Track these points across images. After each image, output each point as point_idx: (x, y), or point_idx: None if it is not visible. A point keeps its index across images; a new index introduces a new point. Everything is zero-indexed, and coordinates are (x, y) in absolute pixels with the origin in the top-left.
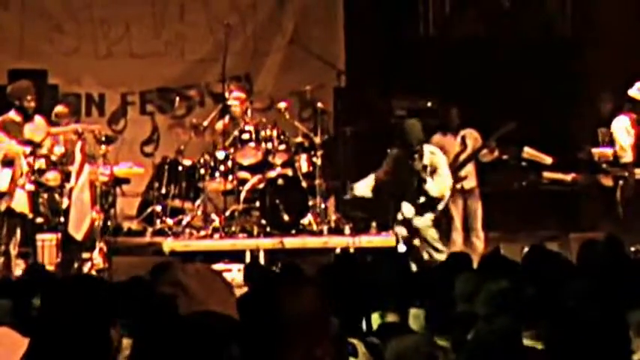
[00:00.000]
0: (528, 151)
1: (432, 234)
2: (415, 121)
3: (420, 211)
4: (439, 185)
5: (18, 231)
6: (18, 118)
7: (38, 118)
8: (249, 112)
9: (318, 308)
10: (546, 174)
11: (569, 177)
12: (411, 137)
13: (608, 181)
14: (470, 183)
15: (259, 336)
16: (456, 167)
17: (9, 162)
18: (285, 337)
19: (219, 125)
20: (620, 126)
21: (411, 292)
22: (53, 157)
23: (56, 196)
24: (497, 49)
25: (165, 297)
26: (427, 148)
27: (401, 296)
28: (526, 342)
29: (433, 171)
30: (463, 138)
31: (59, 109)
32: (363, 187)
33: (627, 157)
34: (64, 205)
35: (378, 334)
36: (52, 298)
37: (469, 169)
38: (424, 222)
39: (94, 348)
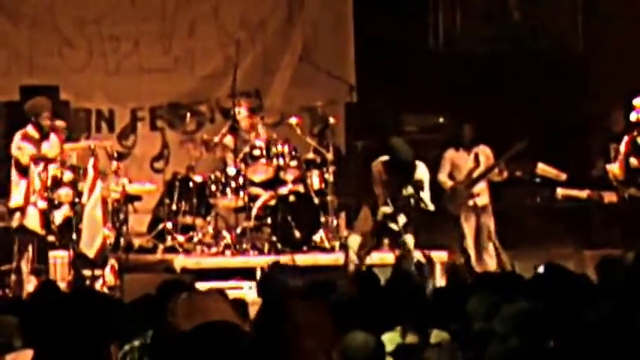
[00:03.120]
0: (542, 168)
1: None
2: (399, 139)
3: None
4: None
5: (30, 248)
6: (36, 135)
7: (53, 136)
8: (259, 127)
9: (323, 321)
10: (561, 190)
11: (584, 193)
12: (402, 153)
13: (612, 198)
14: (482, 200)
15: (269, 345)
16: (468, 184)
17: (25, 172)
18: (292, 344)
19: (229, 141)
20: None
21: (432, 312)
22: (67, 162)
23: (68, 213)
24: (507, 64)
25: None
26: (418, 164)
27: (421, 316)
28: None
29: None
30: (476, 155)
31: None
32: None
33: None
34: (76, 222)
35: (397, 355)
36: (54, 313)
37: (482, 186)
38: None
39: None
